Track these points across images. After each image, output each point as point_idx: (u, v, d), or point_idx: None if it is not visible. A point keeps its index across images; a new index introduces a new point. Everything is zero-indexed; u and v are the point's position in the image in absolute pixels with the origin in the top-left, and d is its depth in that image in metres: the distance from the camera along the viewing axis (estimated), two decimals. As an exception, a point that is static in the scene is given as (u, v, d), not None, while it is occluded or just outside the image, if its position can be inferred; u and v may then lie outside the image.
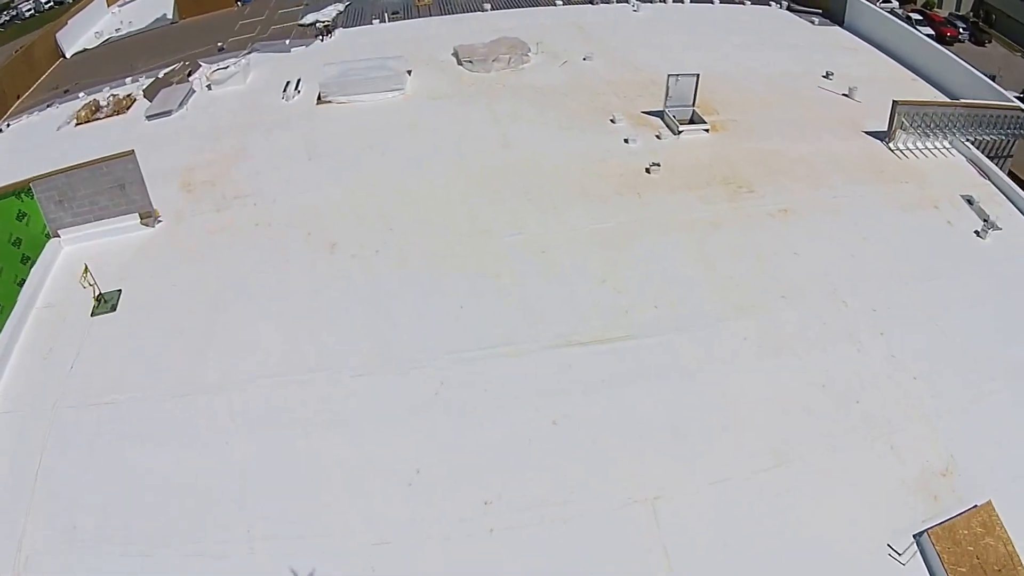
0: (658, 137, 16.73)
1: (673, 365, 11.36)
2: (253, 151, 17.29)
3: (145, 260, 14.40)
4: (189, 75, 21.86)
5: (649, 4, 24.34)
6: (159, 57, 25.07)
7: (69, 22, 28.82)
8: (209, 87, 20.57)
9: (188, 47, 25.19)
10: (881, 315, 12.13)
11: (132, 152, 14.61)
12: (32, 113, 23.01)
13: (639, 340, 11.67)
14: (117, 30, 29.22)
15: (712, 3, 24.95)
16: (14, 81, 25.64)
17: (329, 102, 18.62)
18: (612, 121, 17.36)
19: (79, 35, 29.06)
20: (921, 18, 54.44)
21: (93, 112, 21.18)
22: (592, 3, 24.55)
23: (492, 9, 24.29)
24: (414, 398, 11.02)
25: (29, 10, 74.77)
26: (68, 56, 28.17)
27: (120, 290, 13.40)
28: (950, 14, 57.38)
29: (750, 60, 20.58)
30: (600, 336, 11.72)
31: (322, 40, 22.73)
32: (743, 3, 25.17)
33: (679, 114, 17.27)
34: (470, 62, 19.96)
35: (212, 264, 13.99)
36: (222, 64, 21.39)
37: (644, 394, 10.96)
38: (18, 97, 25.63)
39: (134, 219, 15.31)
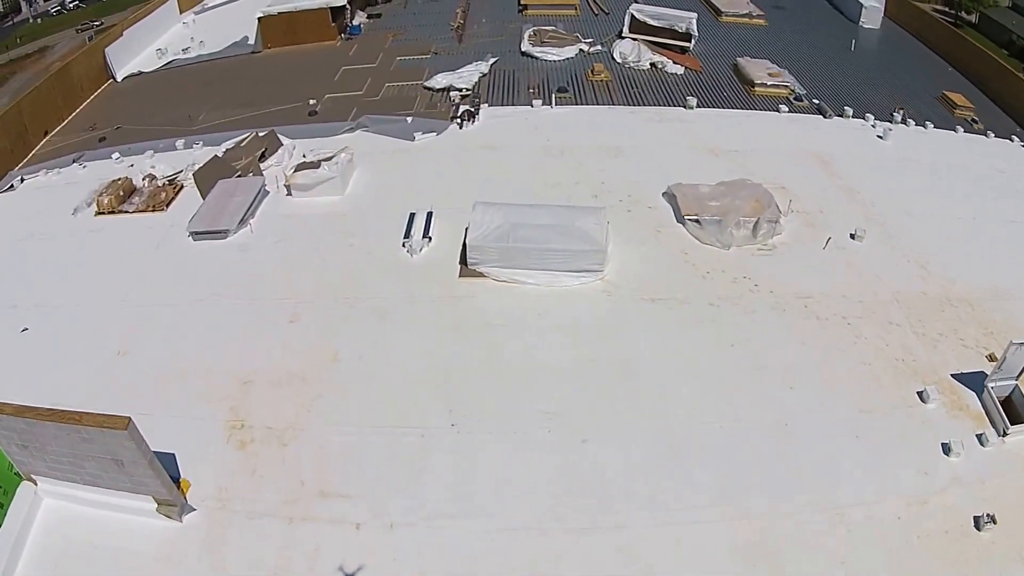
0: (981, 442, 9.09)
1: None
2: (356, 366, 10.13)
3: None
4: (263, 157, 14.86)
5: (888, 126, 16.25)
6: (230, 105, 18.24)
7: (125, 34, 22.27)
8: (289, 190, 13.48)
9: (269, 96, 18.30)
10: None
11: (127, 424, 7.50)
12: (52, 170, 16.40)
13: None
14: (185, 50, 22.54)
15: (954, 131, 16.86)
16: (42, 112, 19.17)
17: (480, 275, 11.28)
18: (921, 398, 9.68)
19: (136, 51, 22.52)
20: None
21: (122, 198, 14.36)
22: (823, 115, 16.64)
23: (698, 105, 16.58)
24: None
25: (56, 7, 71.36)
26: (119, 79, 21.66)
27: None
28: None
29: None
30: None
31: (461, 126, 15.44)
32: (985, 135, 17.03)
33: (1000, 390, 9.55)
34: (697, 223, 12.35)
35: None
36: (313, 150, 14.26)
37: None
38: (46, 134, 19.17)
39: (148, 499, 8.35)
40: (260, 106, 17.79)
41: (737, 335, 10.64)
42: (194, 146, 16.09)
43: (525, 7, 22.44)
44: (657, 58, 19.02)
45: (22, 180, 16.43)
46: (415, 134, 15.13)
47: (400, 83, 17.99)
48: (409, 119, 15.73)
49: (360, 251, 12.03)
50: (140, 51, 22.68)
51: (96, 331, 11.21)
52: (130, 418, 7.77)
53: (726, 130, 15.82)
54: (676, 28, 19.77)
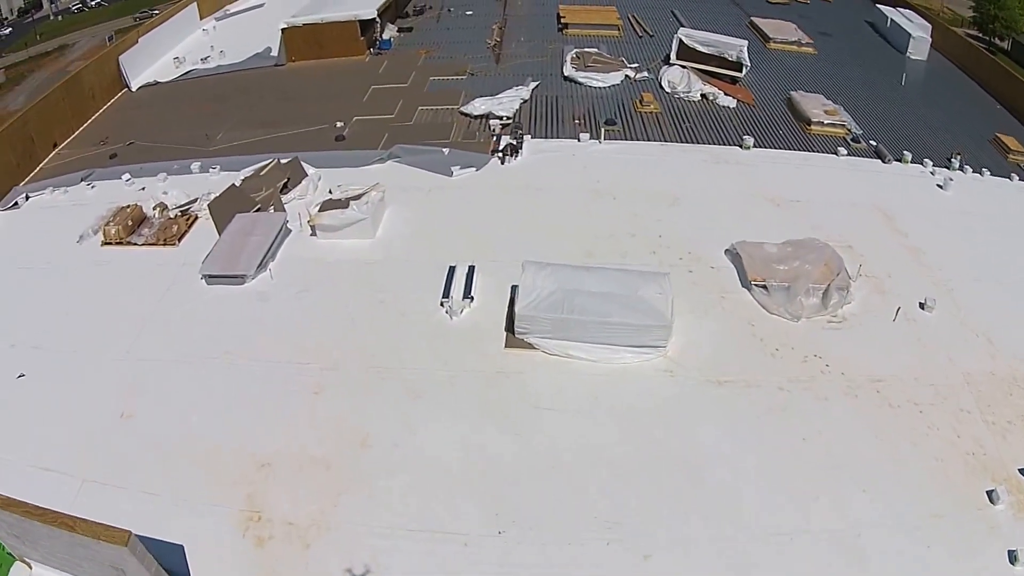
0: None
1: None
2: (388, 453, 8.87)
3: None
4: (285, 188, 13.65)
5: (948, 174, 14.85)
6: (250, 123, 17.06)
7: (140, 41, 21.10)
8: (314, 230, 12.25)
9: (292, 115, 17.11)
10: None
11: (127, 539, 6.29)
12: (59, 188, 15.24)
13: None
14: (204, 59, 21.36)
15: (1009, 178, 15.47)
16: (51, 122, 18.01)
17: (529, 346, 10.00)
18: (991, 498, 8.53)
19: (152, 59, 21.36)
20: None
21: (130, 228, 13.17)
22: (882, 159, 15.29)
23: (754, 145, 15.26)
24: None
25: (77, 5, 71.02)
26: (133, 88, 20.50)
27: None
28: None
29: None
30: None
31: (503, 161, 14.18)
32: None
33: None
34: (764, 289, 11.04)
35: None
36: (340, 185, 13.02)
37: None
38: (54, 146, 18.02)
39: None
40: (282, 127, 16.59)
41: (809, 427, 9.35)
42: (211, 170, 14.88)
43: (566, 26, 21.17)
44: (708, 89, 17.71)
45: (27, 197, 15.29)
46: (453, 168, 13.86)
47: (434, 107, 16.72)
48: (446, 150, 14.46)
49: (393, 310, 10.77)
50: (156, 59, 21.53)
51: (98, 385, 10.07)
52: (130, 533, 6.58)
53: (786, 176, 14.50)
54: (726, 56, 18.46)
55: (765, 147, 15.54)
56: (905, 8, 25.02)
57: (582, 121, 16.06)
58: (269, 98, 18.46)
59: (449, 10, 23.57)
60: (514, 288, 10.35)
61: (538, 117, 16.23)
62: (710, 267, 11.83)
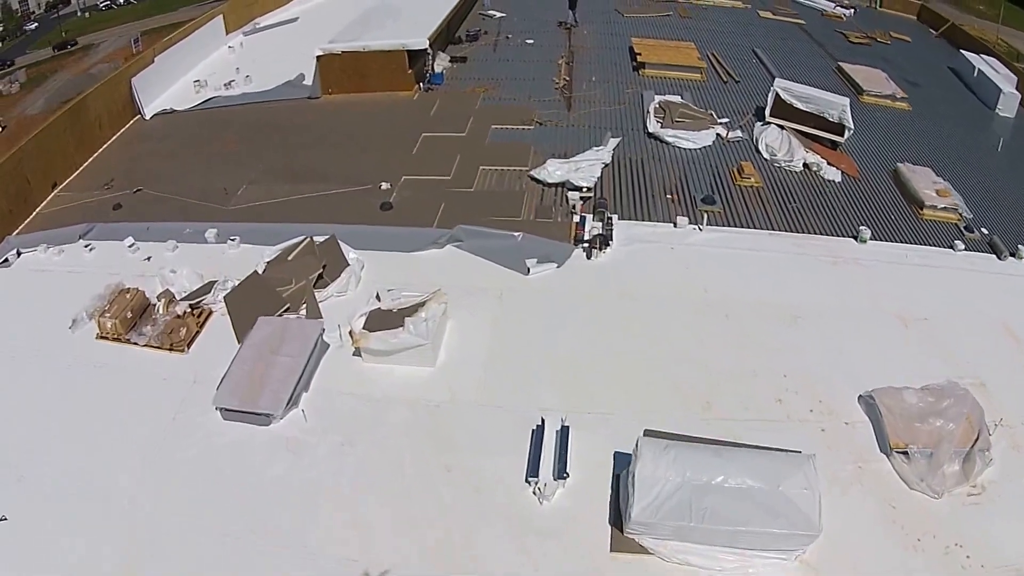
0: None
1: None
2: None
3: None
4: (320, 281, 11.06)
5: None
6: (277, 174, 14.54)
7: (156, 60, 18.56)
8: (357, 351, 9.66)
9: (327, 167, 14.57)
10: None
11: None
12: (55, 246, 12.81)
13: None
14: (228, 84, 18.80)
15: None
16: (50, 159, 15.54)
17: (642, 550, 7.39)
18: None
19: (170, 80, 18.86)
20: None
21: (130, 321, 10.66)
22: (998, 255, 12.57)
23: (871, 237, 12.62)
24: None
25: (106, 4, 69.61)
26: (147, 116, 18.01)
27: None
28: None
29: None
30: None
31: (589, 255, 11.54)
32: None
33: None
34: (905, 456, 8.48)
35: None
36: (391, 291, 10.39)
37: None
38: (53, 186, 15.56)
39: None
40: (315, 182, 14.03)
41: None
42: (229, 241, 12.37)
43: (642, 65, 18.48)
44: (812, 158, 15.04)
45: (19, 253, 12.95)
46: (528, 262, 11.23)
47: (499, 167, 14.07)
48: (518, 235, 11.83)
49: (464, 484, 8.17)
50: (175, 80, 19.07)
51: (90, 552, 7.74)
52: None
53: (907, 282, 11.92)
54: (827, 116, 15.74)
55: (879, 238, 12.91)
56: (989, 55, 22.47)
57: (676, 197, 13.42)
58: (300, 140, 15.88)
59: (507, 37, 20.92)
60: (624, 473, 7.79)
61: (623, 187, 13.60)
62: (844, 423, 9.28)
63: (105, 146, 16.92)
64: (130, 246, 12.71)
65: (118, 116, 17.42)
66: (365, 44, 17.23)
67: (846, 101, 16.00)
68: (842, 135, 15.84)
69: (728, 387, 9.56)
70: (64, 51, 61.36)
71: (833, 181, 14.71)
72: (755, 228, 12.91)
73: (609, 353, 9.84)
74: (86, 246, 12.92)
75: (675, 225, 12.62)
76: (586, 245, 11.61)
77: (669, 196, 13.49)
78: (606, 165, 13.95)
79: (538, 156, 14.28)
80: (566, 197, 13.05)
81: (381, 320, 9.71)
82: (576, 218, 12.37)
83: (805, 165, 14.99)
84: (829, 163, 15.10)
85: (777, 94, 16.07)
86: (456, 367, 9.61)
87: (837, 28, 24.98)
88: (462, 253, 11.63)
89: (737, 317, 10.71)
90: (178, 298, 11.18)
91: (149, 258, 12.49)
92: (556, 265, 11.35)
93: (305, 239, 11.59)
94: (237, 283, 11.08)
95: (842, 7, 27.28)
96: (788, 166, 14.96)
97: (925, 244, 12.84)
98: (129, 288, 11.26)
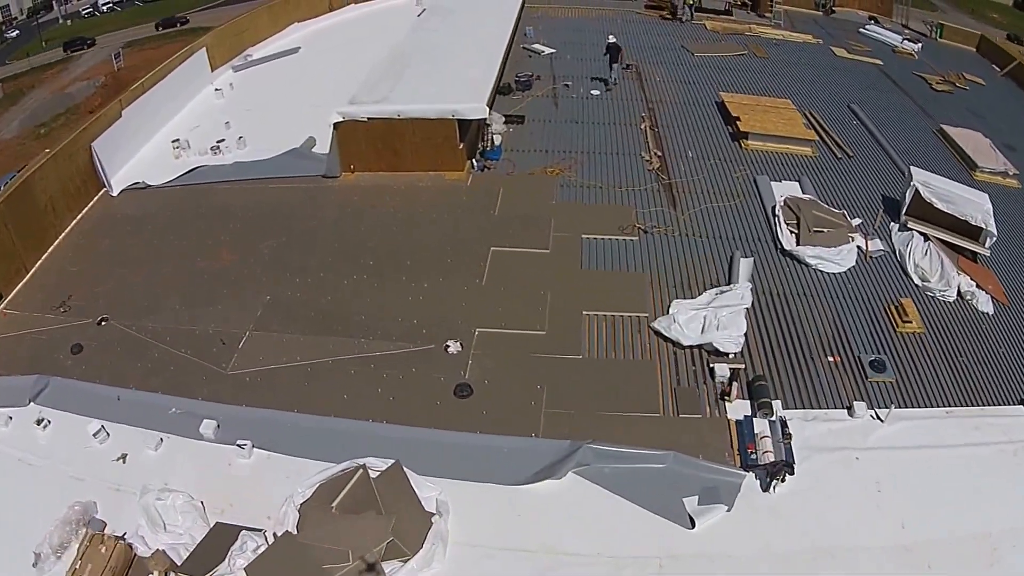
0: None
1: None
2: None
3: None
4: (390, 548, 7.36)
5: None
6: (291, 309, 10.73)
7: (124, 114, 14.27)
8: None
9: (361, 300, 10.82)
10: None
11: None
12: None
13: None
14: (216, 145, 14.61)
15: None
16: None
17: None
18: None
19: (143, 138, 14.60)
20: None
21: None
22: None
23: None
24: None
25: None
26: (114, 192, 13.83)
27: None
28: None
29: None
30: None
31: (767, 486, 8.01)
32: None
33: None
34: None
35: None
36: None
37: None
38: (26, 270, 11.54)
39: None
40: (345, 329, 10.18)
41: None
42: (237, 446, 8.62)
43: (744, 135, 14.83)
44: (965, 283, 11.70)
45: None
46: (687, 502, 7.73)
47: (608, 313, 10.29)
48: (668, 455, 8.24)
49: None
50: (148, 138, 14.79)
51: None
52: None
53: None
54: (968, 220, 12.38)
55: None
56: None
57: (839, 359, 9.98)
58: (317, 254, 11.81)
59: (566, 85, 16.99)
60: None
61: (771, 343, 10.08)
62: None
63: (60, 238, 12.79)
64: (95, 434, 8.98)
65: (75, 195, 13.23)
66: (400, 109, 13.14)
67: (986, 199, 12.63)
68: (985, 244, 12.53)
69: None
70: (79, 49, 56.18)
71: (987, 314, 11.42)
72: (930, 406, 9.53)
73: None
74: (39, 422, 9.28)
75: (850, 413, 9.20)
76: (768, 479, 8.09)
77: (831, 359, 10.03)
78: (748, 309, 10.40)
79: (654, 288, 10.72)
80: (709, 368, 9.51)
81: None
82: (733, 415, 8.87)
83: (959, 294, 11.68)
84: (979, 285, 11.80)
85: (917, 190, 12.66)
86: None
87: (914, 70, 21.75)
88: (592, 487, 8.02)
89: (940, 566, 7.41)
90: (176, 562, 7.50)
91: (124, 457, 8.84)
92: (727, 509, 7.85)
93: (358, 470, 7.86)
94: (262, 545, 7.38)
95: (908, 41, 24.30)
96: (942, 296, 11.61)
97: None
98: (104, 535, 7.69)
